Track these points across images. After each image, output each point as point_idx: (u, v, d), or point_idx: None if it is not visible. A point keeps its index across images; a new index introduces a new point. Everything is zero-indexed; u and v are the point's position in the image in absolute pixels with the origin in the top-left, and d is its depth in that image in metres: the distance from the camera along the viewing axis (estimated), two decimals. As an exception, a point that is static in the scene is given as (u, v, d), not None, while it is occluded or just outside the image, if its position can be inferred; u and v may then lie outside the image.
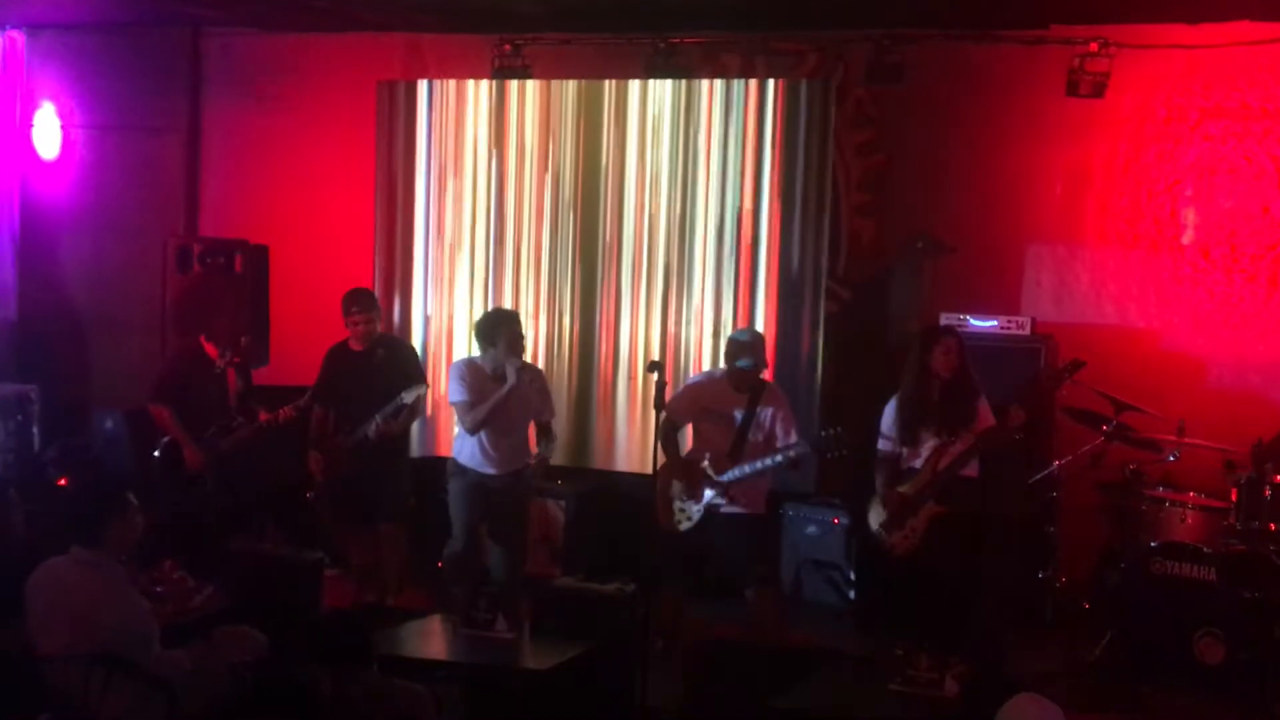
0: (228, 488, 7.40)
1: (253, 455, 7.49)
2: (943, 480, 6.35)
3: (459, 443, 6.92)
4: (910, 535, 6.41)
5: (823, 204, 7.95)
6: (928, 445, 6.42)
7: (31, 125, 9.56)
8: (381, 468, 7.21)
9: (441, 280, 8.59)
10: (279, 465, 7.70)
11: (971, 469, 6.40)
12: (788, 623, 6.82)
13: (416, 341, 8.51)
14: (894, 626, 6.42)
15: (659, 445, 6.49)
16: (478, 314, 8.46)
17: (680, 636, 6.50)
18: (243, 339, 7.70)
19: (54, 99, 9.55)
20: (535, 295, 8.41)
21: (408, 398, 7.08)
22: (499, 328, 6.79)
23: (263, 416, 7.46)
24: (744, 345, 6.52)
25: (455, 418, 6.93)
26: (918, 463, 6.45)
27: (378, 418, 7.08)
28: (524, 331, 6.92)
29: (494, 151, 8.48)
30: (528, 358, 7.20)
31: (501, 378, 6.73)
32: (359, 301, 7.30)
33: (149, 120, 9.52)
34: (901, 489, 6.44)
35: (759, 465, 6.45)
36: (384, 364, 7.25)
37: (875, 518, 6.53)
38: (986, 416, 6.39)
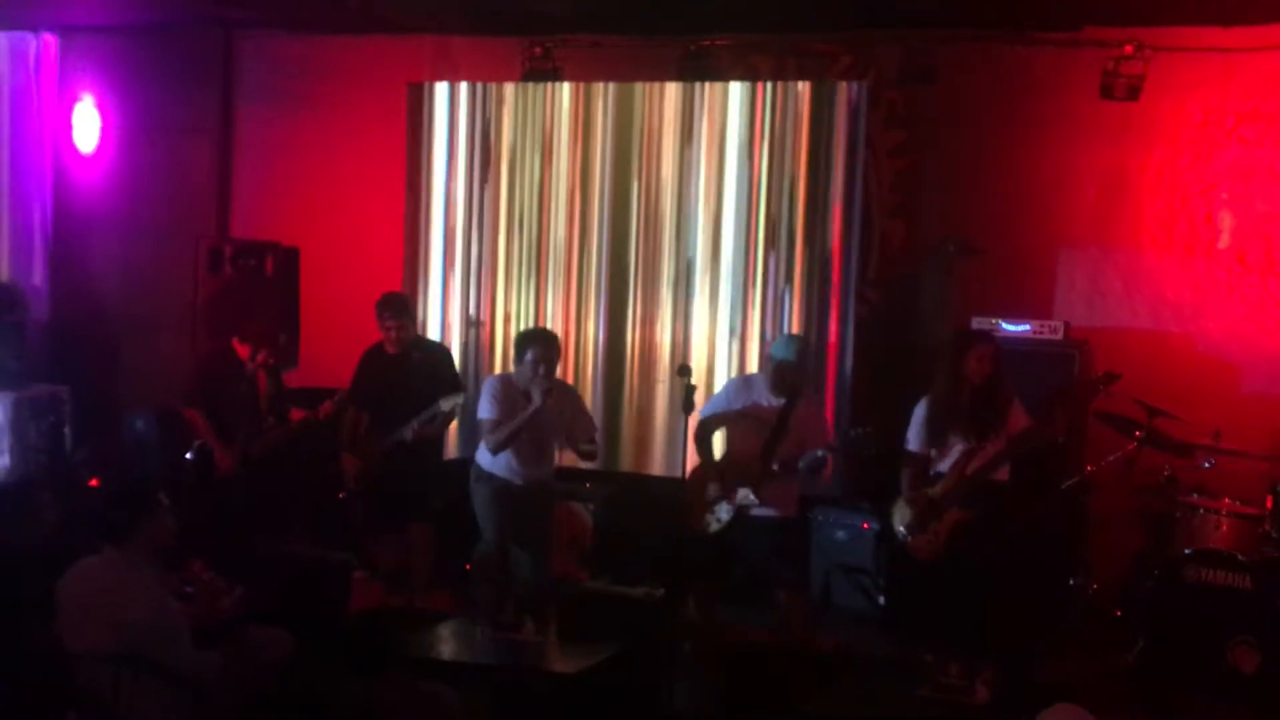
0: (258, 489, 7.42)
1: (283, 457, 7.51)
2: (970, 485, 6.30)
3: (484, 449, 6.90)
4: (933, 539, 6.38)
5: (853, 206, 7.92)
6: (956, 449, 6.39)
7: (70, 121, 9.60)
8: (413, 470, 7.21)
9: (471, 283, 8.59)
10: (310, 466, 7.72)
11: (1002, 473, 6.35)
12: (816, 628, 6.79)
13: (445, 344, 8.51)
14: (923, 632, 6.38)
15: (695, 448, 6.48)
16: (506, 316, 8.52)
17: (709, 641, 6.47)
18: (281, 337, 7.71)
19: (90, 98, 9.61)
20: (565, 297, 8.40)
21: (446, 405, 7.07)
22: (524, 347, 6.73)
23: (295, 415, 7.47)
24: (791, 360, 6.50)
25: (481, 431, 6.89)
26: (945, 465, 6.42)
27: (414, 422, 7.07)
28: (555, 351, 6.78)
29: (524, 154, 8.48)
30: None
31: (543, 392, 6.68)
32: (392, 306, 7.31)
33: (181, 122, 9.55)
34: (928, 492, 6.40)
35: (788, 469, 6.44)
36: (419, 368, 7.25)
37: (899, 519, 6.50)
38: (1019, 420, 6.34)
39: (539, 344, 6.72)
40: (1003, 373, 6.41)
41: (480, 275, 8.59)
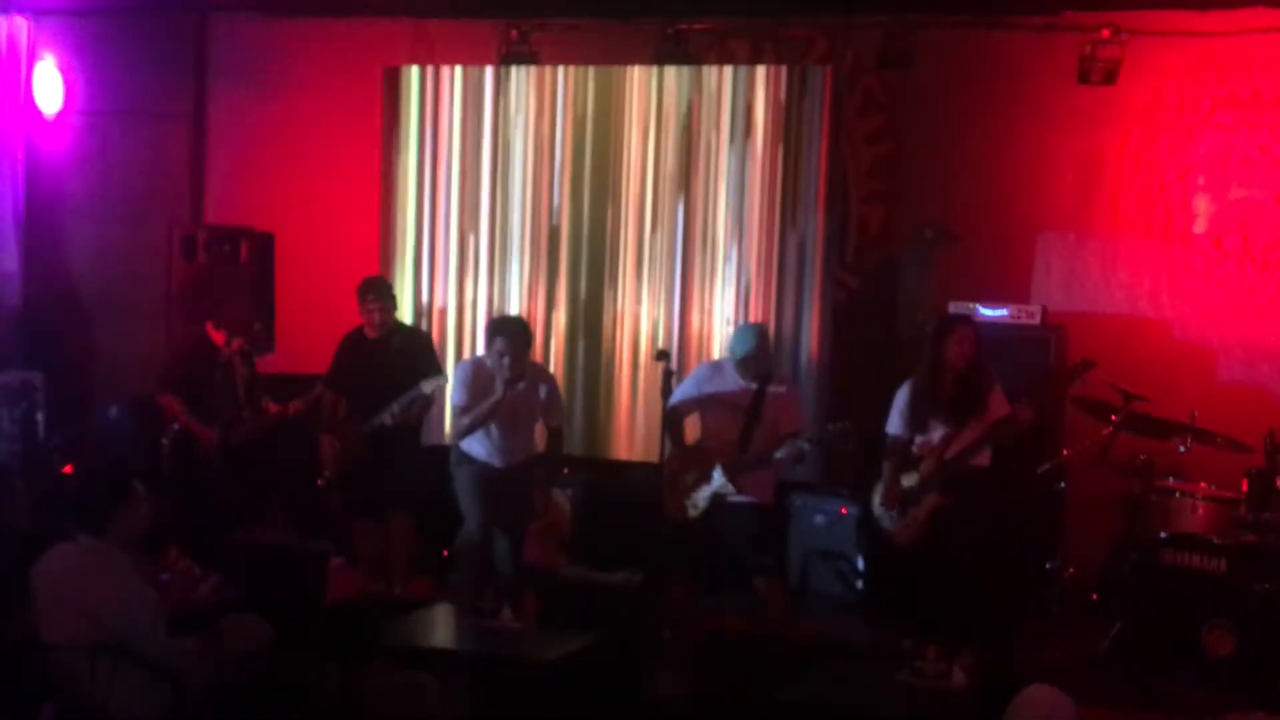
0: (236, 477, 7.38)
1: (261, 444, 7.47)
2: (949, 470, 6.31)
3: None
4: (911, 524, 6.39)
5: (831, 192, 7.91)
6: (937, 434, 6.39)
7: (31, 84, 9.49)
8: (394, 457, 7.19)
9: (448, 268, 8.55)
10: (289, 452, 7.68)
11: (983, 458, 6.36)
12: (795, 614, 6.80)
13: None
14: (902, 618, 6.39)
15: (665, 435, 6.47)
16: (484, 302, 8.49)
17: (687, 627, 6.48)
18: (256, 324, 7.68)
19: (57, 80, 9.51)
20: (543, 283, 8.36)
21: (427, 388, 7.06)
22: (493, 335, 6.76)
23: (272, 408, 7.43)
24: (751, 352, 6.48)
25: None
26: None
27: (395, 406, 7.05)
28: (522, 340, 6.80)
29: (501, 138, 8.44)
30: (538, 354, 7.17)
31: (504, 382, 6.70)
32: (374, 290, 7.30)
33: (154, 106, 9.47)
34: (906, 477, 6.42)
35: (764, 458, 6.44)
36: (399, 352, 7.24)
37: (878, 504, 6.52)
38: (1000, 406, 6.34)
39: (504, 334, 6.73)
40: (984, 357, 6.42)
41: (458, 260, 8.54)
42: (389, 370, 7.15)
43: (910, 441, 6.45)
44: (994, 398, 6.36)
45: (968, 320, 6.66)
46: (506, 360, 6.64)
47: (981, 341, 6.42)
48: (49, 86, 9.44)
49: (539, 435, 7.04)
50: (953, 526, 6.32)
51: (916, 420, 6.42)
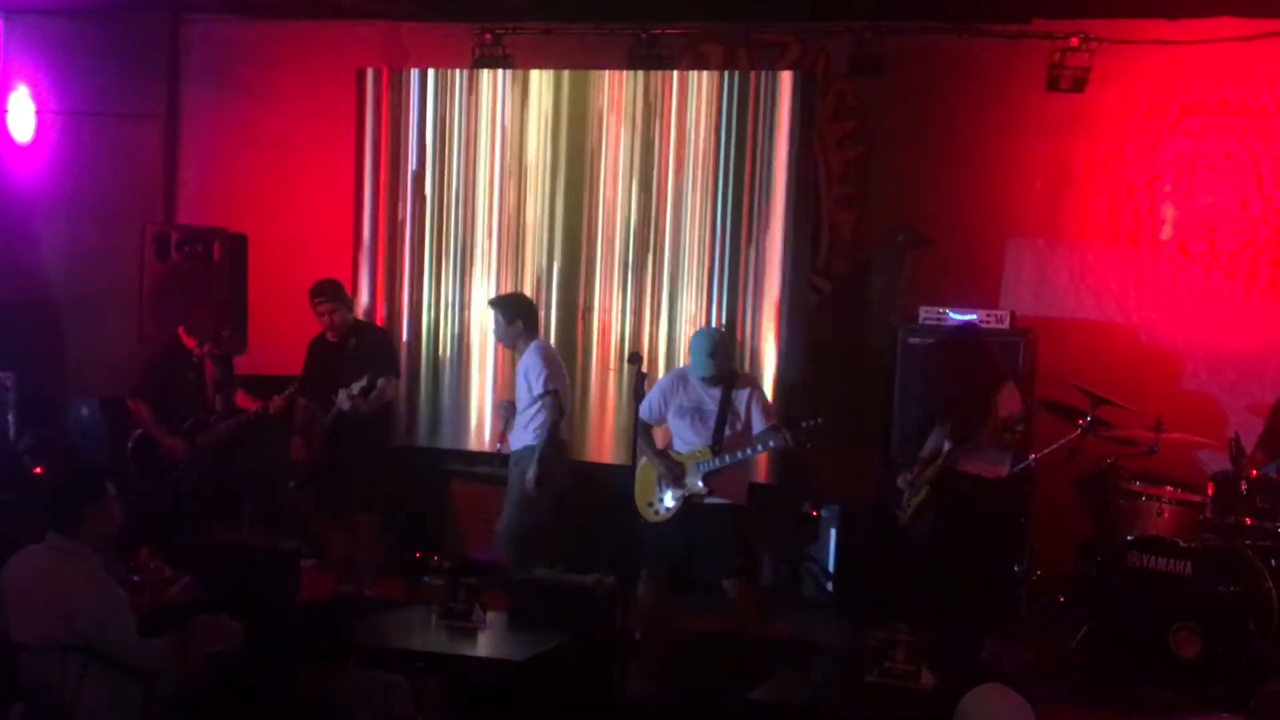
0: (206, 478, 7.37)
1: (233, 445, 7.46)
2: (940, 470, 6.39)
3: None
4: (906, 510, 6.55)
5: (804, 196, 7.95)
6: (945, 442, 6.50)
7: (5, 108, 9.47)
8: (357, 458, 7.20)
9: (421, 270, 8.55)
10: (260, 454, 7.67)
11: (996, 469, 6.41)
12: (765, 614, 6.83)
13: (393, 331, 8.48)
14: (872, 617, 6.45)
15: (636, 437, 6.50)
16: (456, 303, 8.50)
17: (659, 628, 6.50)
18: (225, 332, 7.67)
19: (31, 84, 9.47)
20: (515, 285, 8.36)
21: (363, 383, 7.04)
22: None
23: (252, 404, 7.43)
24: (710, 356, 6.52)
25: None
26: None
27: (342, 395, 7.04)
28: (502, 313, 7.19)
29: (475, 141, 8.45)
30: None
31: None
32: (323, 292, 7.32)
33: (127, 106, 9.43)
34: (906, 476, 6.57)
35: (739, 455, 6.46)
36: (356, 352, 7.27)
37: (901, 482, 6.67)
38: (1010, 404, 6.40)
39: (493, 308, 7.26)
40: (982, 363, 6.50)
41: (431, 262, 8.55)
42: (345, 371, 7.17)
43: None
44: (1001, 398, 6.41)
45: (960, 335, 6.77)
46: (497, 334, 7.09)
47: (976, 349, 6.53)
48: (23, 115, 9.41)
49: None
50: (926, 524, 6.41)
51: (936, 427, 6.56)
